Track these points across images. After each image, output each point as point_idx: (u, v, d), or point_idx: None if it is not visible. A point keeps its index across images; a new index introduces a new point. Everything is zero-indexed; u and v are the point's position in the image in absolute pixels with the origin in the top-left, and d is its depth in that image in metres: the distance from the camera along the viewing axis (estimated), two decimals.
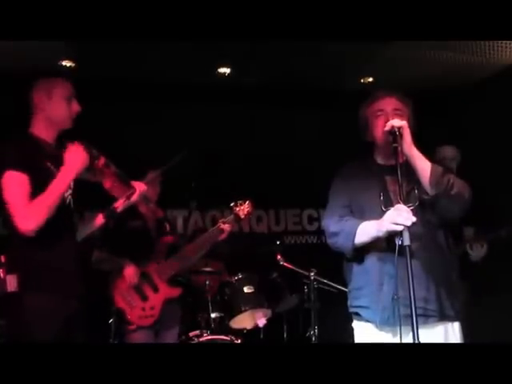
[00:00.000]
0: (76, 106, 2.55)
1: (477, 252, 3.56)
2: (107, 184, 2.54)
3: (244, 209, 3.72)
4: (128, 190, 2.61)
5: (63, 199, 2.47)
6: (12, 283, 2.30)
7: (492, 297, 3.82)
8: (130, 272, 3.36)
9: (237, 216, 3.71)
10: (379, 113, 2.32)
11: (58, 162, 2.47)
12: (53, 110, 2.49)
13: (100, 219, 2.64)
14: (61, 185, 2.36)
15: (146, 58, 3.93)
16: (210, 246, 3.64)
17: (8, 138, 2.41)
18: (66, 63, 3.93)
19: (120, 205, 2.63)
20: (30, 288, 2.31)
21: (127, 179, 2.62)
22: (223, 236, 3.62)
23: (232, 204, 3.74)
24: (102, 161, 2.50)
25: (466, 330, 2.27)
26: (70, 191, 2.53)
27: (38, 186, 2.34)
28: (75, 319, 2.43)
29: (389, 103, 2.32)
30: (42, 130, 2.50)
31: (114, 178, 2.55)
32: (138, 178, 2.88)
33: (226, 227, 3.63)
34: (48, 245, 2.37)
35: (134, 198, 2.64)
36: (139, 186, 2.67)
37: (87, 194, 2.59)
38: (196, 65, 4.09)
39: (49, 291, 2.33)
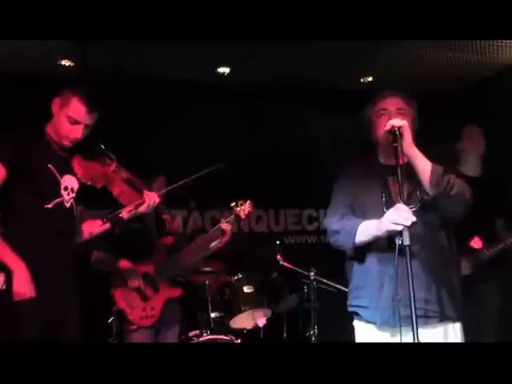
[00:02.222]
0: (77, 133, 2.48)
1: None
2: (115, 191, 2.46)
3: (245, 209, 3.69)
4: (138, 198, 2.52)
5: (63, 202, 2.47)
6: None
7: None
8: (126, 264, 3.37)
9: (237, 216, 3.69)
10: (382, 112, 2.32)
11: (62, 166, 2.48)
12: (56, 123, 2.52)
13: (101, 224, 2.59)
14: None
15: (145, 58, 3.93)
16: (210, 246, 3.63)
17: (11, 131, 2.42)
18: (66, 63, 3.93)
19: (126, 213, 2.58)
20: None
21: (139, 187, 2.55)
22: (226, 238, 3.58)
23: (232, 204, 3.72)
24: (112, 167, 2.45)
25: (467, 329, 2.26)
26: (73, 195, 2.52)
27: (25, 183, 2.37)
28: (67, 318, 2.44)
29: (392, 103, 2.32)
30: (53, 132, 2.54)
31: (123, 184, 2.48)
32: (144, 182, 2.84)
33: (227, 227, 3.62)
34: (38, 245, 2.38)
35: (143, 208, 2.57)
36: (151, 197, 2.57)
37: (87, 193, 2.58)
38: (196, 65, 4.09)
39: (36, 289, 2.32)
